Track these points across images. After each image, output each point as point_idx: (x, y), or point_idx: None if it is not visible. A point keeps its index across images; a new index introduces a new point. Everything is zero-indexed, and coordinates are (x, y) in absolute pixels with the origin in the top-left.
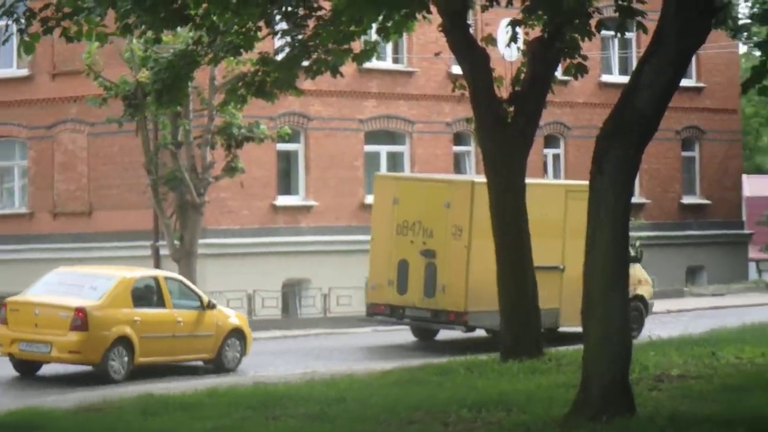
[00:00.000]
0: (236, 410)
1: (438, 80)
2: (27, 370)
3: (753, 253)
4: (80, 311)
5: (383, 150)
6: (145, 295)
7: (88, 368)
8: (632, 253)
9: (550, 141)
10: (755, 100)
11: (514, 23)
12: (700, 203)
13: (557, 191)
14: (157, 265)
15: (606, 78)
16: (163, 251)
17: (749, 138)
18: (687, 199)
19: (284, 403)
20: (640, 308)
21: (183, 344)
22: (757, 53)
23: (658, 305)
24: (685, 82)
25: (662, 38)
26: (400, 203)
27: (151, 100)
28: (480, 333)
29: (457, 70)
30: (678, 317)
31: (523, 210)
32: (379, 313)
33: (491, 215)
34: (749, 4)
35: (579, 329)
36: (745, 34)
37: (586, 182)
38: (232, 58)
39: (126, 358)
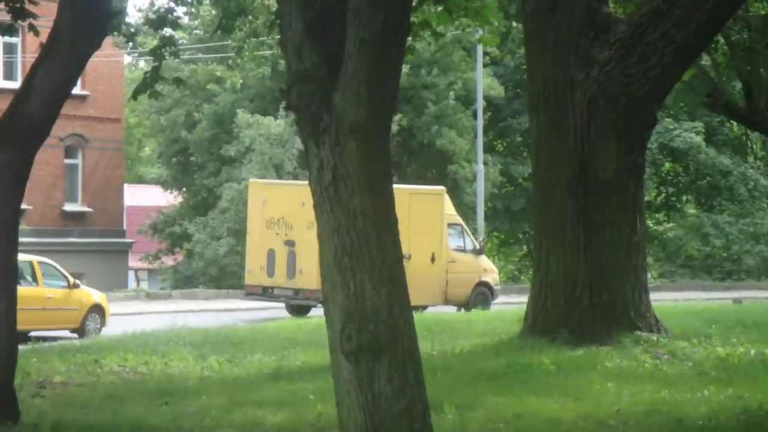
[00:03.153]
0: None
1: None
2: None
3: (133, 261)
4: None
5: None
6: (22, 275)
7: None
8: (477, 245)
9: None
10: (139, 110)
11: None
12: (82, 211)
13: (402, 194)
14: None
15: None
16: None
17: (132, 148)
18: (69, 207)
19: None
20: (486, 293)
21: (52, 316)
22: (142, 64)
23: None
24: None
25: (57, 42)
26: (268, 203)
27: None
28: None
29: None
30: None
31: None
32: (254, 293)
33: None
34: (142, 14)
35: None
36: (131, 44)
37: (429, 186)
38: None
39: None
